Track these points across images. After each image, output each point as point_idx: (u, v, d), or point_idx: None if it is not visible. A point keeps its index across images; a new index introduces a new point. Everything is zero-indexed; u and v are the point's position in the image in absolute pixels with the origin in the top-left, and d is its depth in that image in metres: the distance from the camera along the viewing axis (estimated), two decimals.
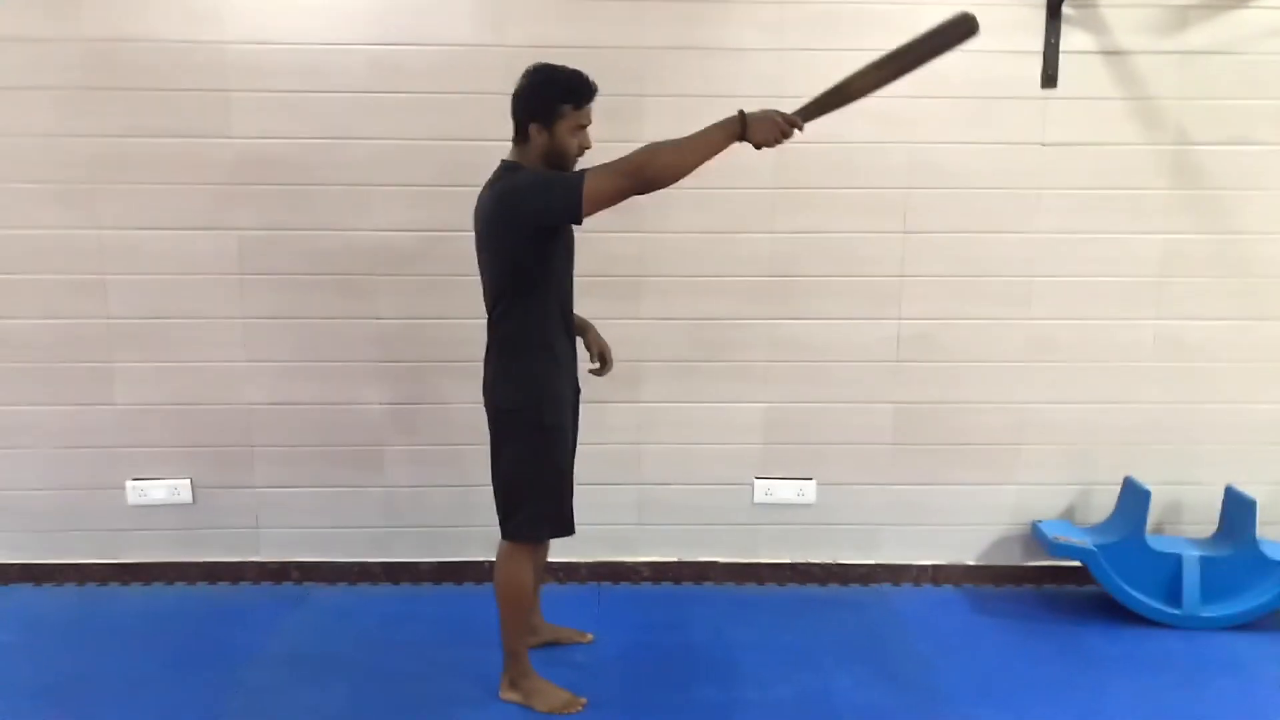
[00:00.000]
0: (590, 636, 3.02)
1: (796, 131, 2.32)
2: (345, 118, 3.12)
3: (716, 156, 2.31)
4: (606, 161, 2.28)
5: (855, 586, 3.45)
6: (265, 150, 3.13)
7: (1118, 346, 3.33)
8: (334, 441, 3.33)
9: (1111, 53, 3.14)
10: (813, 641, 3.04)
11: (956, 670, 2.87)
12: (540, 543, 2.64)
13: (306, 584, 3.40)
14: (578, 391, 2.66)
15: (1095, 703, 2.70)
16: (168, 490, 3.34)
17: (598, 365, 2.77)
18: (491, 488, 2.56)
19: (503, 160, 2.46)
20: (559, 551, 3.23)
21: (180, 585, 3.39)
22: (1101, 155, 3.21)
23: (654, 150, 2.27)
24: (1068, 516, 3.44)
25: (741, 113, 2.29)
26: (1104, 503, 3.40)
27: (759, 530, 3.45)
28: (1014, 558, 3.47)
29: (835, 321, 3.30)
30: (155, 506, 3.35)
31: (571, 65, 2.42)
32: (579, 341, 2.68)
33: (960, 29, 2.31)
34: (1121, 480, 3.33)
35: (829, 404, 3.35)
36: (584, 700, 2.65)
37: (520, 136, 2.43)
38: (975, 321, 3.31)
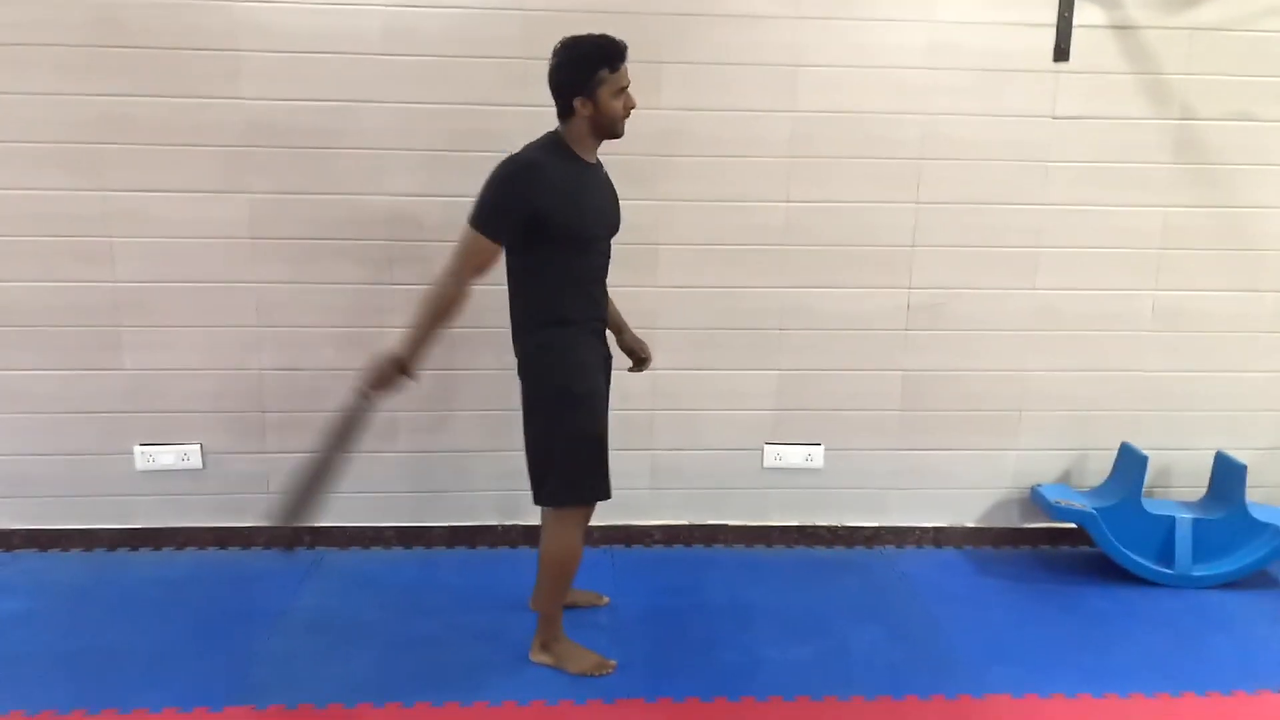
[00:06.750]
0: (607, 599, 3.07)
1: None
2: (358, 82, 3.06)
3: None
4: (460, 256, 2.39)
5: (860, 549, 3.55)
6: (276, 114, 3.06)
7: (1118, 316, 3.42)
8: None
9: (1123, 27, 3.19)
10: (824, 603, 3.12)
11: (966, 631, 2.96)
12: (583, 507, 2.65)
13: (319, 548, 3.40)
14: (608, 359, 2.68)
15: (1102, 660, 2.81)
16: (176, 456, 3.31)
17: (632, 365, 2.89)
18: (525, 455, 2.58)
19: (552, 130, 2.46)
20: None
21: (191, 550, 3.37)
22: (1110, 129, 3.26)
23: (440, 290, 2.39)
24: (1064, 480, 3.55)
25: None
26: (1099, 467, 3.51)
27: (768, 494, 3.51)
28: (1012, 520, 3.59)
29: (847, 290, 3.34)
30: (164, 472, 3.32)
31: (593, 31, 2.41)
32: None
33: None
34: (1118, 445, 3.44)
35: (840, 371, 3.41)
36: (614, 663, 2.70)
37: (565, 112, 2.41)
38: (984, 291, 3.37)
